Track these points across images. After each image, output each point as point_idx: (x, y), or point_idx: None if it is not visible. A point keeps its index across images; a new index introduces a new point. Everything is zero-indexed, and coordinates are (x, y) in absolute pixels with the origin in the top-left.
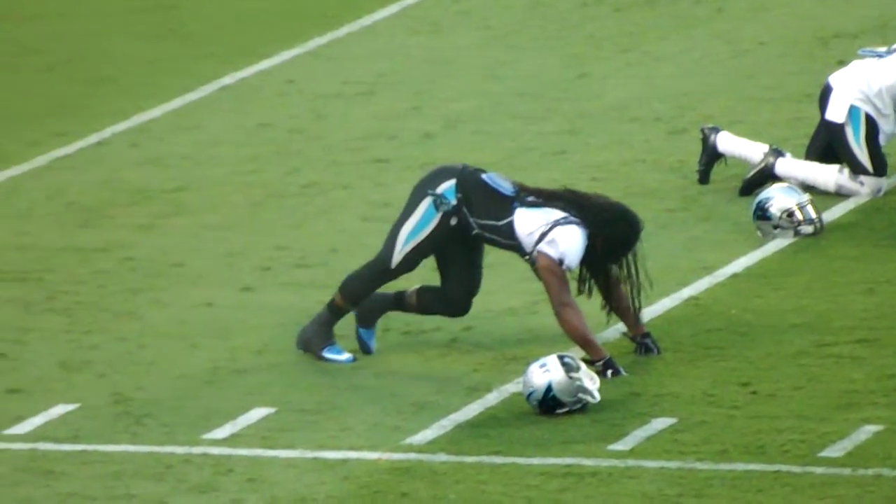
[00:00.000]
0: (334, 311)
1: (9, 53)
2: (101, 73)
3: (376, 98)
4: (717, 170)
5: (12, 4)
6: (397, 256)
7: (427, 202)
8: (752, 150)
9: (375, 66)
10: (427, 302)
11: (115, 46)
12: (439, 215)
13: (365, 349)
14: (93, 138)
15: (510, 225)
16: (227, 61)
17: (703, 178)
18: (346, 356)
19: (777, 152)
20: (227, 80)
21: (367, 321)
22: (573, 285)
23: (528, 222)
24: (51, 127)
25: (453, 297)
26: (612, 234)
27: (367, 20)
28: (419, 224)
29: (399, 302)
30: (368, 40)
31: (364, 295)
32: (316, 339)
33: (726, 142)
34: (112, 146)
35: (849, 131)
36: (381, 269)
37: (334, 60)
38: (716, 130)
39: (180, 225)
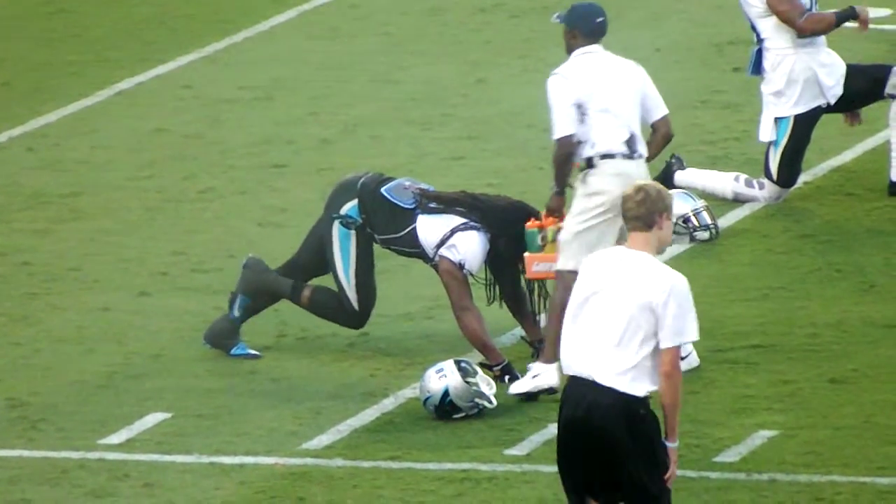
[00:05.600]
0: (250, 311)
1: None
2: None
3: (273, 103)
4: None
5: None
6: (353, 296)
7: (337, 226)
8: (714, 181)
9: (273, 72)
10: (322, 305)
11: (9, 50)
12: (354, 233)
13: (233, 312)
14: None
15: (413, 232)
16: (123, 66)
17: None
18: (255, 352)
19: (679, 161)
20: (124, 84)
21: (252, 294)
22: (483, 292)
23: (429, 229)
24: None
25: (359, 310)
26: (515, 233)
27: (264, 25)
28: (343, 254)
29: (294, 293)
30: (266, 45)
31: (325, 318)
32: (226, 335)
33: (686, 177)
34: (7, 151)
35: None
36: (351, 313)
37: (231, 65)
38: (681, 164)
39: (76, 230)
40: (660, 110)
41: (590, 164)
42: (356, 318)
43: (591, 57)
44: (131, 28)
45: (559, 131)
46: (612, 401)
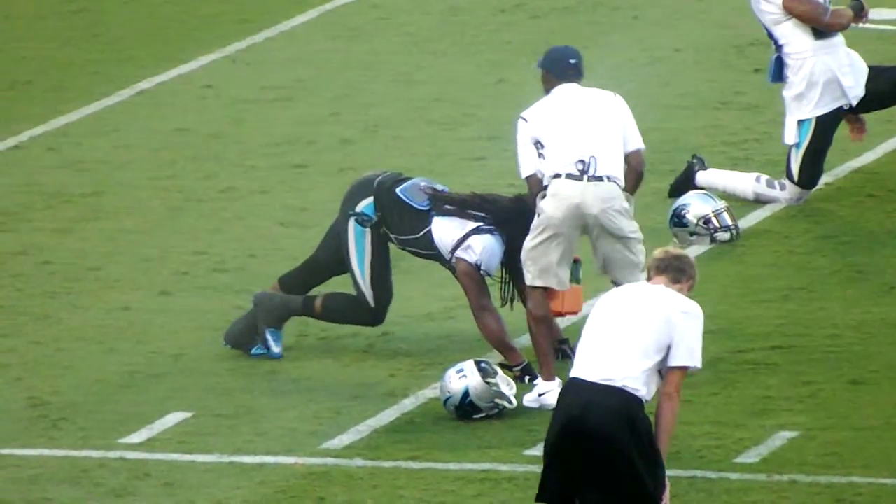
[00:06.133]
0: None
1: None
2: (18, 77)
3: (295, 103)
4: None
5: None
6: (368, 292)
7: (352, 223)
8: (735, 181)
9: (294, 72)
10: (335, 309)
11: (31, 49)
12: (369, 230)
13: (272, 349)
14: (10, 142)
15: (428, 234)
16: (145, 66)
17: (672, 193)
18: (276, 351)
19: (701, 161)
20: (145, 84)
21: (276, 323)
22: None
23: (445, 231)
24: None
25: (375, 305)
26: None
27: (285, 25)
28: (358, 249)
29: (307, 307)
30: (287, 45)
31: (342, 321)
32: (246, 335)
33: (708, 178)
34: (29, 150)
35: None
36: (367, 309)
37: (253, 65)
38: (702, 165)
39: (98, 229)
40: (632, 144)
41: (546, 188)
42: (372, 314)
43: (561, 95)
44: (153, 28)
45: (524, 171)
46: (611, 400)
